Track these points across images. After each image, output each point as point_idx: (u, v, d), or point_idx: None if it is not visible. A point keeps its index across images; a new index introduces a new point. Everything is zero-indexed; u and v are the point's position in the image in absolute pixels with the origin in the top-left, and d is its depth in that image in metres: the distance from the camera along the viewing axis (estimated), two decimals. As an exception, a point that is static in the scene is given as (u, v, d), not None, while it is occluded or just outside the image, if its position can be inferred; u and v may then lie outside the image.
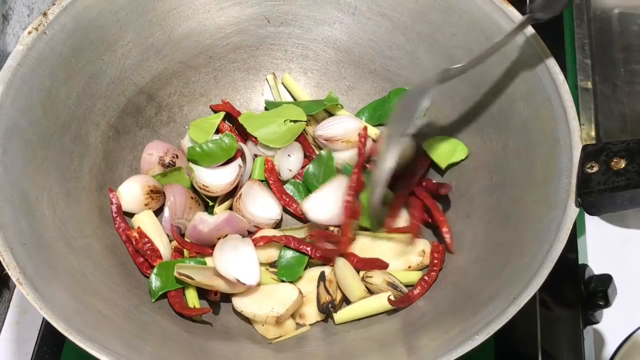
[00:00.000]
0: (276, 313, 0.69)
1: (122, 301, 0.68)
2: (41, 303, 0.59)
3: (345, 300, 0.74)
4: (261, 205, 0.75)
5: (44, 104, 0.70)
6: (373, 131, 0.81)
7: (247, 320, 0.73)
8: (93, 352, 0.58)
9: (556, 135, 0.67)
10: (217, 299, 0.71)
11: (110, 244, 0.73)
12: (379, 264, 0.73)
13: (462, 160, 0.78)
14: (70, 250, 0.67)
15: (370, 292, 0.73)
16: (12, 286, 0.87)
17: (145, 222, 0.75)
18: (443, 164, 0.78)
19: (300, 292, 0.71)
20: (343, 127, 0.79)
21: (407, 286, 0.73)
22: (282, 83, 0.85)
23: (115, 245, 0.74)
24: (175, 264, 0.71)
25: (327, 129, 0.80)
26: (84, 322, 0.60)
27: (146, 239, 0.73)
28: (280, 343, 0.70)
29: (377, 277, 0.72)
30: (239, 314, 0.72)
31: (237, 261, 0.70)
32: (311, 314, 0.72)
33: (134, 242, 0.73)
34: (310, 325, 0.73)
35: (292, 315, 0.72)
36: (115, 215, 0.75)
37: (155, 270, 0.72)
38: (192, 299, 0.72)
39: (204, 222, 0.73)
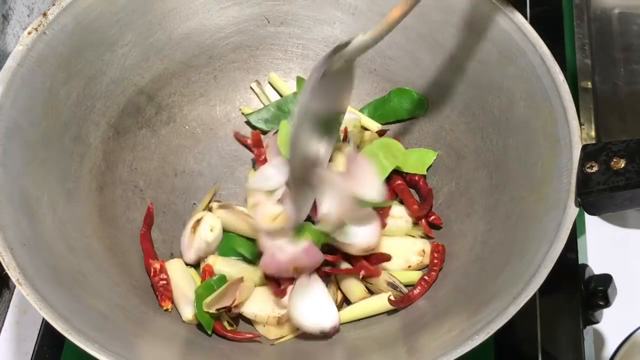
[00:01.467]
0: (277, 314, 0.69)
1: (122, 301, 0.68)
2: (41, 303, 0.59)
3: (346, 301, 0.74)
4: None
5: (44, 104, 0.70)
6: (375, 126, 0.82)
7: (248, 320, 0.73)
8: (93, 353, 0.57)
9: (556, 135, 0.67)
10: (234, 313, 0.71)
11: (110, 244, 0.73)
12: (381, 257, 0.73)
13: (434, 159, 0.79)
14: (70, 250, 0.67)
15: (371, 292, 0.73)
16: (12, 286, 0.87)
17: (174, 270, 0.73)
18: (423, 171, 0.78)
19: None
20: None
21: (407, 286, 0.73)
22: (269, 82, 0.85)
23: (115, 246, 0.74)
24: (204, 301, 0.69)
25: None
26: (84, 322, 0.60)
27: (164, 276, 0.72)
28: (281, 343, 0.70)
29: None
30: (239, 315, 0.72)
31: (312, 307, 0.69)
32: None
33: (152, 273, 0.73)
34: None
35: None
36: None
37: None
38: (225, 320, 0.71)
39: (283, 251, 0.69)
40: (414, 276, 0.73)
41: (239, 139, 0.83)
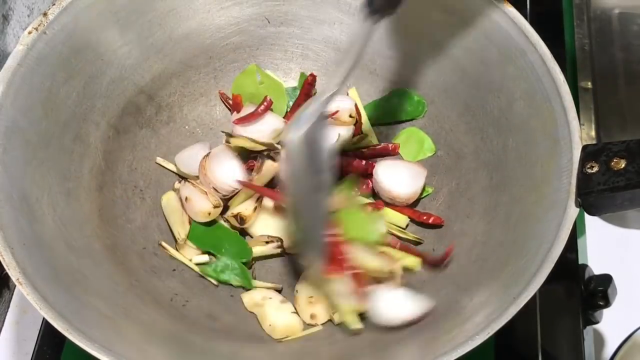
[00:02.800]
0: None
1: (122, 301, 0.68)
2: (41, 303, 0.59)
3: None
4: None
5: (44, 104, 0.70)
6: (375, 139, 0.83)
7: (249, 320, 0.73)
8: (93, 352, 0.58)
9: (556, 135, 0.67)
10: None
11: (110, 244, 0.73)
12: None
13: (429, 156, 0.80)
14: (70, 250, 0.67)
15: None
16: (12, 286, 0.87)
17: (169, 202, 0.78)
18: (413, 160, 0.80)
19: None
20: (337, 105, 0.77)
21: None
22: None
23: (115, 245, 0.74)
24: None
25: None
26: (84, 322, 0.60)
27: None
28: (284, 344, 0.70)
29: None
30: (239, 314, 0.72)
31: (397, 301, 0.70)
32: (322, 314, 0.72)
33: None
34: (322, 325, 0.73)
35: (302, 315, 0.72)
36: None
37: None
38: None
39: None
40: (414, 260, 0.74)
41: (223, 99, 0.84)
